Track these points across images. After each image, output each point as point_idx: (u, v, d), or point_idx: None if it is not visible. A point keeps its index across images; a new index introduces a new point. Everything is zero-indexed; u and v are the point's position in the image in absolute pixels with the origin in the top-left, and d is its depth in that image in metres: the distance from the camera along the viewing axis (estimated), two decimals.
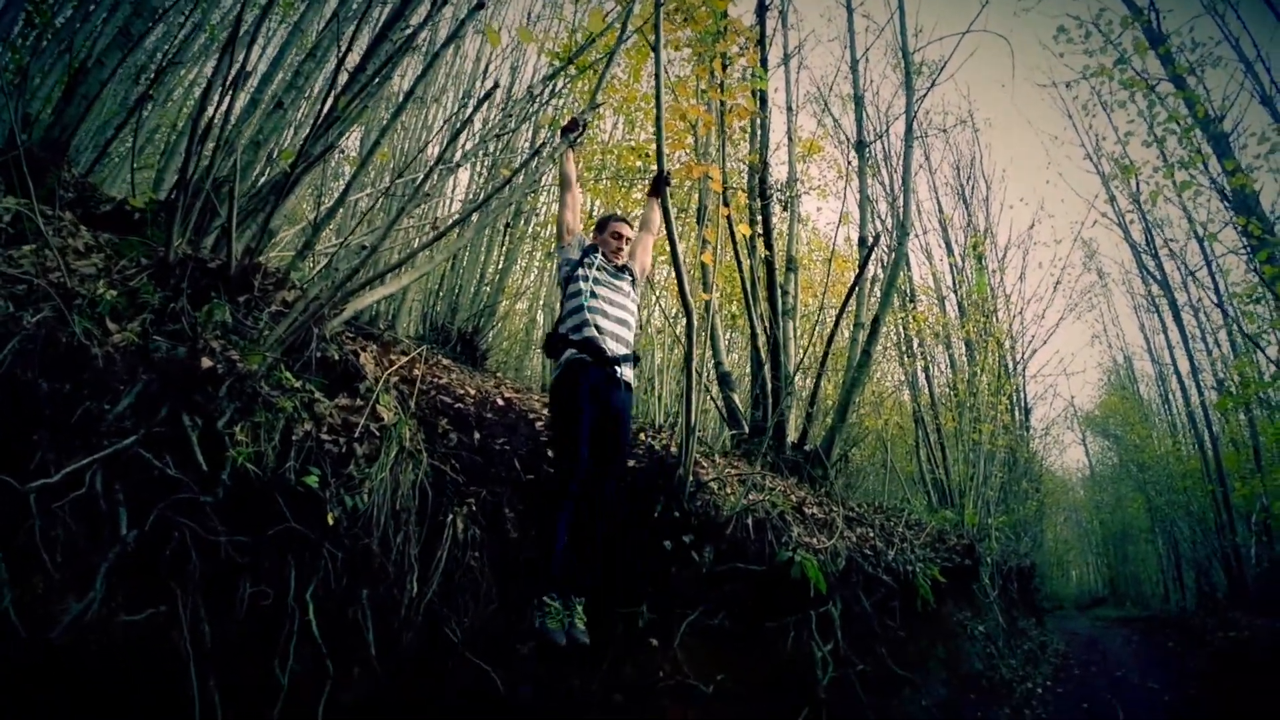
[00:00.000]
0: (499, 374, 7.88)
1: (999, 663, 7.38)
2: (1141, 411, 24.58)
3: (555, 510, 2.97)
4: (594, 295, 3.43)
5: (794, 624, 4.49)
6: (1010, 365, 10.19)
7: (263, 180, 3.73)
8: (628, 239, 3.77)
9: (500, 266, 8.81)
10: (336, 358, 3.06)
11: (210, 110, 3.06)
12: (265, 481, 2.62)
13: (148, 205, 3.76)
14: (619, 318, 3.47)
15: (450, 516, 3.00)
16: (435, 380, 4.20)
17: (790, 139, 7.85)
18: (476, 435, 3.59)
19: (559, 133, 3.94)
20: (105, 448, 2.48)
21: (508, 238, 8.80)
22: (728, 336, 10.84)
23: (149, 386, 2.68)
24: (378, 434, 2.88)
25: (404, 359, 3.43)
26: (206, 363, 2.73)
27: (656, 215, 4.01)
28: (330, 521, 2.64)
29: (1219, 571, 16.75)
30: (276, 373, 2.78)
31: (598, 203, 8.74)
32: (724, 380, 6.82)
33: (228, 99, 3.13)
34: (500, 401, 4.33)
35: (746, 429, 6.69)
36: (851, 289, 6.43)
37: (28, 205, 3.02)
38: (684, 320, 3.97)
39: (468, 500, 3.17)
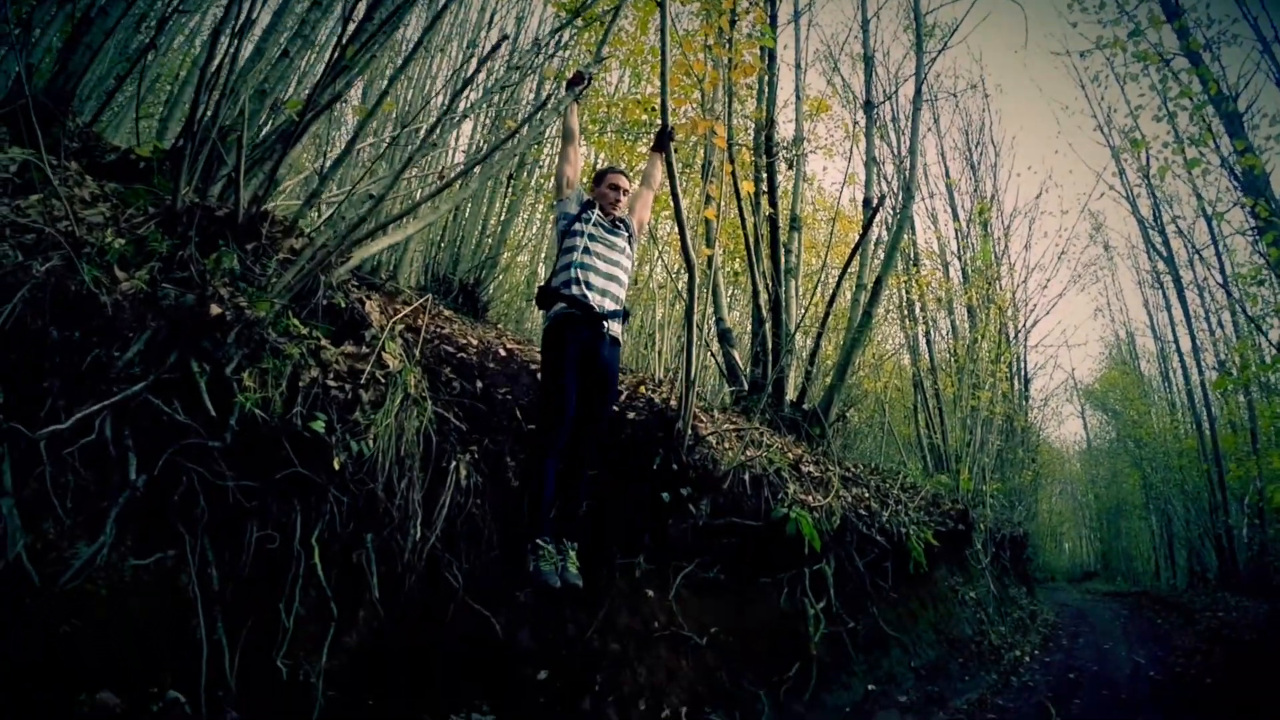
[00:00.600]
0: (499, 325, 7.90)
1: (988, 629, 7.52)
2: (1141, 388, 24.63)
3: (542, 461, 3.03)
4: (587, 251, 3.43)
5: (788, 580, 4.59)
6: (1011, 333, 10.21)
7: (268, 129, 3.71)
8: (625, 190, 3.75)
9: (503, 218, 8.75)
10: (343, 305, 3.08)
11: (216, 59, 3.03)
12: (272, 427, 2.65)
13: (153, 154, 3.74)
14: (610, 274, 3.48)
15: (454, 463, 3.04)
16: (439, 330, 4.23)
17: (798, 97, 7.77)
18: (479, 384, 3.64)
19: (564, 85, 3.91)
20: (115, 394, 2.49)
21: (510, 189, 8.72)
22: (730, 294, 10.82)
23: (157, 333, 2.69)
24: (383, 381, 2.91)
25: (408, 308, 3.45)
26: (215, 309, 2.74)
27: (659, 170, 3.99)
28: (336, 466, 2.67)
29: (1210, 552, 16.93)
30: (284, 320, 2.80)
31: (602, 155, 8.67)
32: (724, 337, 6.85)
33: (234, 46, 3.11)
34: (502, 352, 4.37)
35: (746, 386, 6.74)
36: (855, 249, 6.43)
37: (35, 155, 3.00)
38: (686, 276, 3.99)
39: (470, 448, 3.22)
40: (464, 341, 4.25)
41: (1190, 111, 7.31)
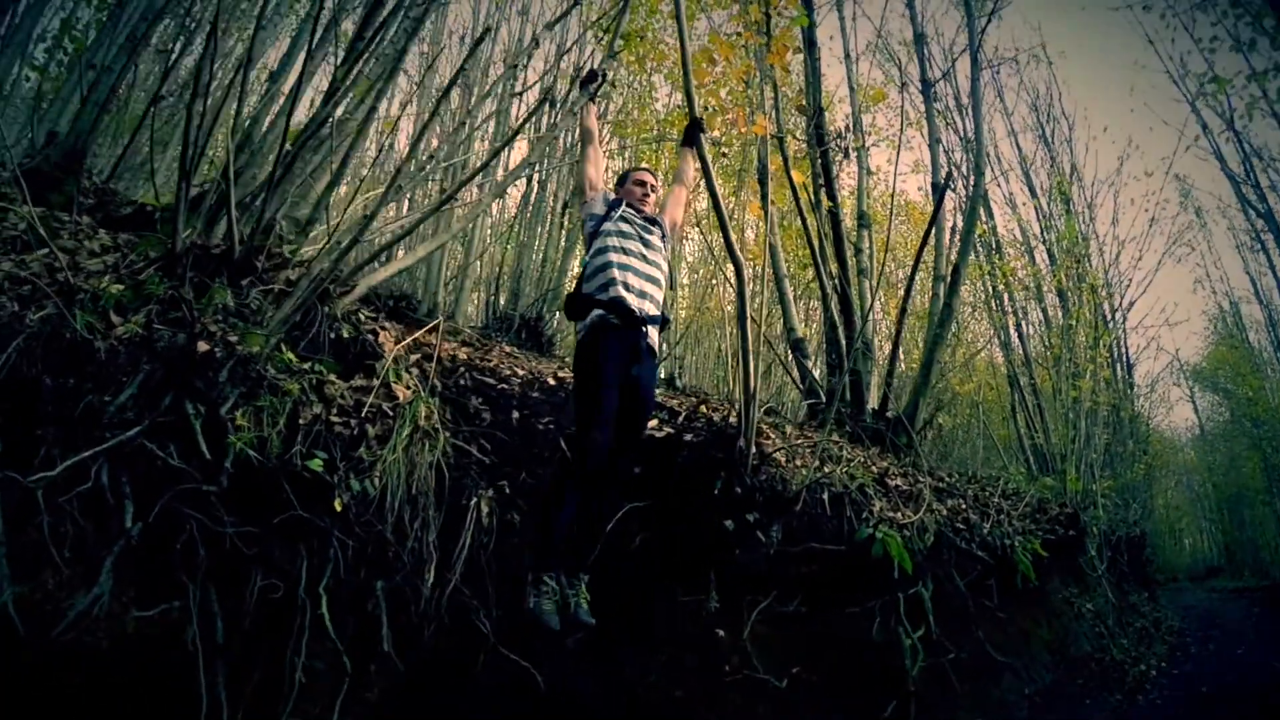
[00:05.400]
0: (567, 359, 7.57)
1: (1109, 643, 6.67)
2: (1252, 361, 22.42)
3: (564, 481, 2.60)
4: (623, 251, 3.02)
5: (879, 608, 3.99)
6: (1108, 313, 9.15)
7: (271, 163, 3.50)
8: (653, 186, 3.37)
9: (562, 248, 8.45)
10: (348, 336, 2.81)
11: (200, 101, 2.82)
12: (270, 468, 2.41)
13: (168, 204, 3.65)
14: (649, 275, 3.05)
15: (475, 499, 2.65)
16: (483, 363, 3.92)
17: (851, 88, 7.23)
18: (515, 414, 3.24)
19: (578, 86, 3.55)
20: (108, 440, 2.35)
21: (567, 218, 8.42)
22: (807, 305, 10.16)
23: (151, 376, 2.53)
24: (391, 413, 2.58)
25: (418, 331, 3.09)
26: (203, 346, 2.55)
27: (690, 166, 3.60)
28: (338, 507, 2.41)
29: None
30: (280, 355, 2.56)
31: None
32: (797, 347, 6.27)
33: (217, 82, 2.88)
34: (551, 381, 3.99)
35: (823, 398, 6.16)
36: (926, 236, 5.79)
37: (38, 213, 2.90)
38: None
39: (499, 482, 2.82)
40: (508, 373, 3.91)
41: (1272, 36, 6.26)
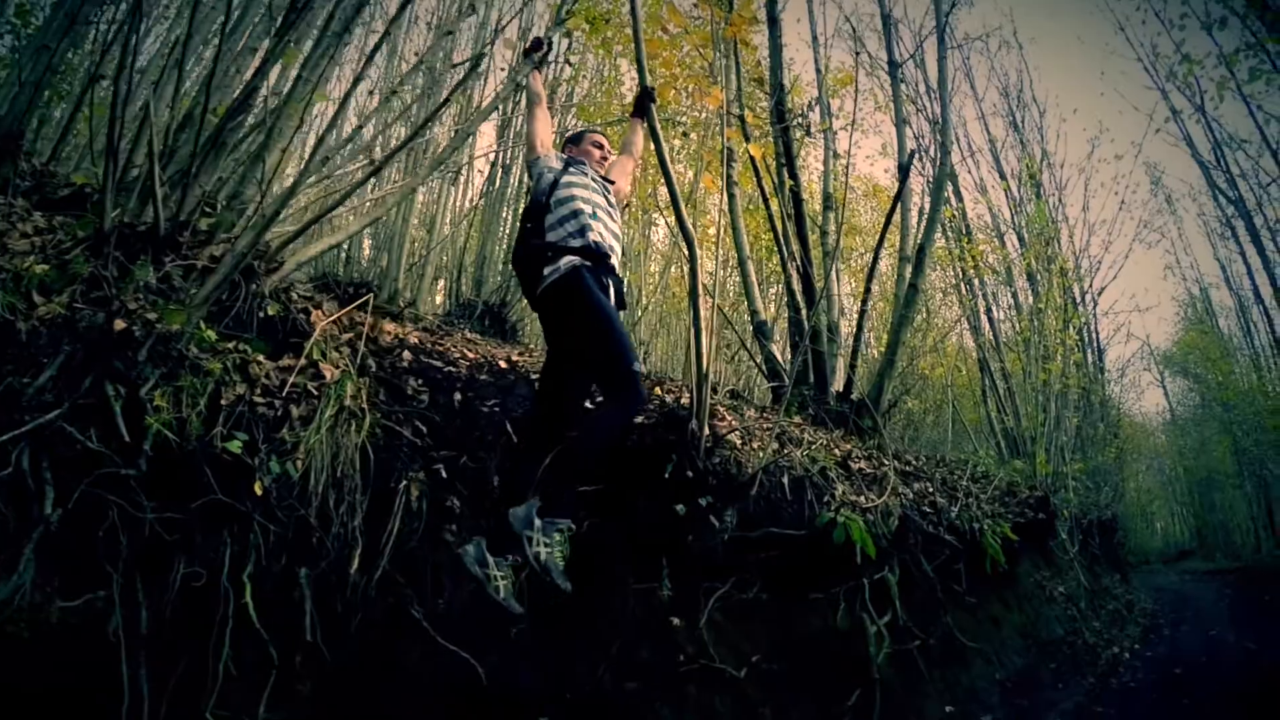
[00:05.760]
0: (531, 345, 7.45)
1: (1081, 626, 6.69)
2: (1222, 346, 22.78)
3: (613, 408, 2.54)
4: (590, 203, 2.89)
5: (843, 594, 3.93)
6: (1078, 295, 9.14)
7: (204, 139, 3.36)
8: (608, 150, 3.28)
9: None
10: (276, 315, 2.71)
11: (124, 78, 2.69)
12: (189, 451, 2.31)
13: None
14: (614, 231, 2.95)
15: (404, 483, 2.53)
16: (435, 347, 3.79)
17: (818, 70, 7.14)
18: (458, 396, 3.11)
19: (522, 54, 3.44)
20: (26, 423, 2.24)
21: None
22: (776, 292, 10.06)
23: (72, 358, 2.42)
24: (316, 393, 2.48)
25: (349, 307, 2.94)
26: (120, 324, 2.44)
27: (639, 137, 3.51)
28: (259, 491, 2.31)
29: None
30: (197, 333, 2.45)
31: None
32: (760, 330, 6.17)
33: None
34: (502, 364, 3.87)
35: (788, 382, 6.07)
36: (890, 214, 5.71)
37: None
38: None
39: (434, 466, 2.70)
40: (456, 355, 3.78)
41: (1242, 14, 6.17)
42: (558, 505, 2.50)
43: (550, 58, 3.58)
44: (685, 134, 5.51)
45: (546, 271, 2.75)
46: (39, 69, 3.67)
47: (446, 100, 2.99)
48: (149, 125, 2.80)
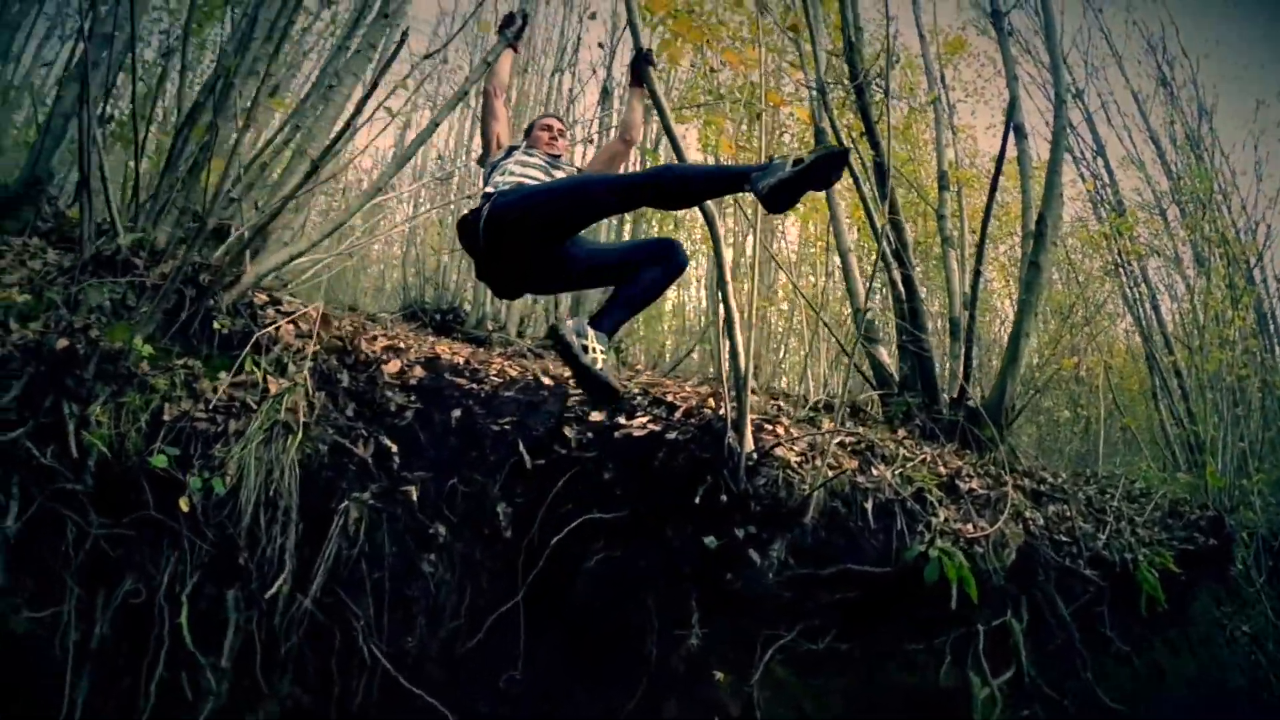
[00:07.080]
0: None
1: (1269, 674, 5.45)
2: None
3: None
4: (524, 174, 2.60)
5: (949, 645, 3.21)
6: (1249, 266, 7.59)
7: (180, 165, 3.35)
8: (561, 130, 3.01)
9: None
10: (226, 330, 2.71)
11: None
12: (127, 466, 2.37)
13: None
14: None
15: (344, 504, 2.30)
16: (466, 363, 3.52)
17: (921, 37, 6.34)
18: (456, 412, 2.79)
19: (496, 30, 3.15)
20: None
21: None
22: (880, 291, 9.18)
23: (35, 379, 2.50)
24: (254, 406, 2.46)
25: (294, 315, 2.70)
26: (62, 343, 2.55)
27: (638, 114, 3.16)
28: (184, 508, 2.31)
29: None
30: (141, 349, 2.48)
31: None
32: (865, 331, 5.45)
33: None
34: (546, 380, 3.59)
35: (896, 388, 5.32)
36: (996, 177, 4.81)
37: None
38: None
39: (405, 487, 2.37)
40: (491, 372, 3.51)
41: None
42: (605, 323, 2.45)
43: (526, 34, 3.16)
44: (758, 115, 4.89)
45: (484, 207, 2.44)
46: (58, 118, 3.89)
47: (368, 96, 2.70)
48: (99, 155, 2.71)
